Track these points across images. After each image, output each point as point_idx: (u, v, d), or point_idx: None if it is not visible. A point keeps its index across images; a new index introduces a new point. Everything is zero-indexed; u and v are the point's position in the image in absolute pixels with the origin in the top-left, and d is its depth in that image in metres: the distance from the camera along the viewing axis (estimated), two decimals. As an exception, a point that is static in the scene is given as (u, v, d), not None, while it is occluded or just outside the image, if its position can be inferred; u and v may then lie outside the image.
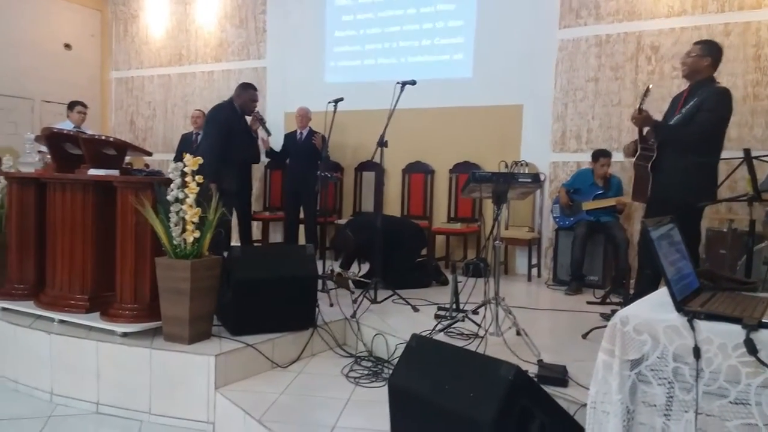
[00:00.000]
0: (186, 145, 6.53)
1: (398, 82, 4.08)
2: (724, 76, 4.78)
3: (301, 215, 5.89)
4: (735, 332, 1.41)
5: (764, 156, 3.04)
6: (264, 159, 6.22)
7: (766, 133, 4.70)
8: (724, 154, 3.52)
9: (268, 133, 5.53)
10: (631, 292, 3.80)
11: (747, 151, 2.93)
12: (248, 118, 5.07)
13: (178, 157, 3.01)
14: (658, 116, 3.65)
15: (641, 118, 3.43)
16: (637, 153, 3.58)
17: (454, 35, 6.00)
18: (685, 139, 3.36)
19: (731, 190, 4.32)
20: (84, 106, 6.28)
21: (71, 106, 6.21)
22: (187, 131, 6.85)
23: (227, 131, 4.67)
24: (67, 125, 5.82)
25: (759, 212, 4.00)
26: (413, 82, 4.11)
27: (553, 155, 5.54)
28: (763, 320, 1.41)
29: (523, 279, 5.30)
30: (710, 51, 3.42)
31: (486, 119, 5.76)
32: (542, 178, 5.45)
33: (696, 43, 3.52)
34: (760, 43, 4.72)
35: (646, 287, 3.32)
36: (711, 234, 4.27)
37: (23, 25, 7.17)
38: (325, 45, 6.61)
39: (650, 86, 3.53)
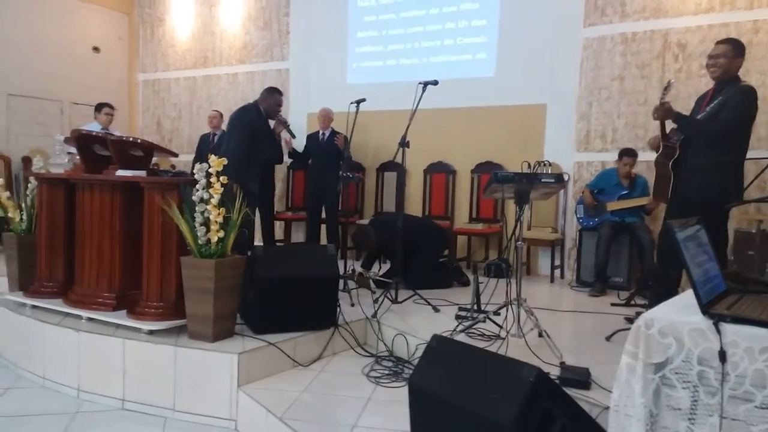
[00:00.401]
0: (205, 145, 6.63)
1: (420, 83, 4.08)
2: (753, 75, 4.69)
3: (323, 215, 5.93)
4: (762, 336, 1.39)
5: (795, 155, 2.96)
6: (287, 159, 6.28)
7: (797, 132, 4.59)
8: (753, 154, 3.46)
9: (293, 136, 5.59)
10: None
11: (776, 151, 2.87)
12: (271, 122, 5.12)
13: (198, 158, 3.06)
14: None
15: (663, 110, 3.35)
16: (659, 150, 3.51)
17: (477, 34, 5.98)
18: (706, 134, 3.29)
19: (760, 190, 4.22)
20: (111, 107, 6.36)
21: (98, 107, 6.30)
22: (206, 132, 6.94)
23: (252, 133, 4.72)
24: (94, 126, 5.92)
25: (790, 213, 3.91)
26: (435, 83, 4.11)
27: (577, 155, 5.48)
28: (792, 324, 1.38)
29: (545, 280, 5.26)
30: (742, 50, 3.35)
31: (509, 119, 5.72)
32: (566, 178, 5.39)
33: (722, 43, 3.40)
34: (791, 39, 4.61)
35: (662, 289, 3.27)
36: (739, 235, 4.18)
37: (53, 29, 7.34)
38: (348, 46, 6.65)
39: (672, 81, 3.47)
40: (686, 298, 1.68)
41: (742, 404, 1.41)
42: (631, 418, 1.48)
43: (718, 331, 1.43)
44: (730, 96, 3.26)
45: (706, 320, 1.47)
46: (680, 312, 1.56)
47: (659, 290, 3.36)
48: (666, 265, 3.44)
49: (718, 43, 3.42)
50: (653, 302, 3.27)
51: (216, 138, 6.66)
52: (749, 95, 3.26)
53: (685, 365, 1.46)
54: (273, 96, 4.96)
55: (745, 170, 3.40)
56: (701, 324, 1.47)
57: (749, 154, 3.38)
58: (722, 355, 1.41)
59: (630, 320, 3.44)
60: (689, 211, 3.11)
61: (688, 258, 1.60)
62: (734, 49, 3.33)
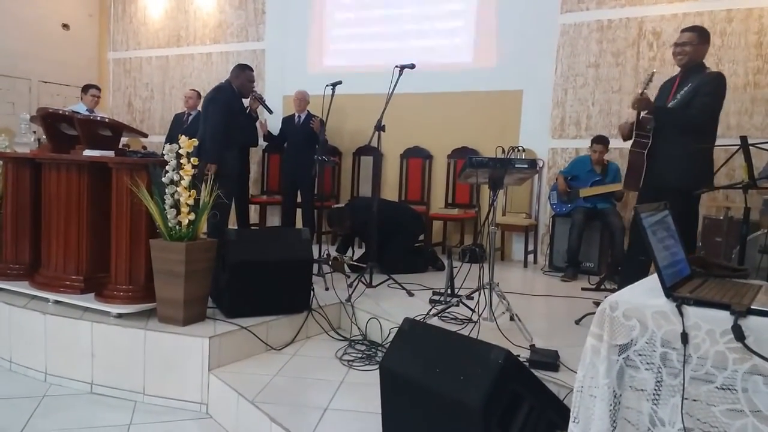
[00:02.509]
0: (178, 125, 6.47)
1: (396, 66, 4.05)
2: (725, 63, 4.76)
3: (299, 199, 5.89)
4: (723, 318, 1.41)
5: (761, 143, 3.02)
6: (262, 143, 6.20)
7: (766, 121, 4.68)
8: (723, 141, 3.50)
9: (270, 111, 5.40)
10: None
11: (744, 139, 2.91)
12: (245, 101, 5.03)
13: (171, 138, 3.00)
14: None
15: (642, 100, 3.36)
16: (633, 140, 3.54)
17: (455, 19, 5.95)
18: (686, 121, 3.31)
19: (729, 177, 4.31)
20: (97, 89, 6.21)
21: (85, 89, 6.16)
22: (180, 111, 6.80)
23: (228, 112, 4.64)
24: (80, 108, 5.78)
25: (757, 201, 3.99)
26: (412, 66, 4.08)
27: (552, 141, 5.52)
28: (752, 307, 1.41)
29: (519, 265, 5.31)
30: (707, 37, 3.40)
31: (485, 104, 5.73)
32: (540, 164, 5.43)
33: (687, 31, 3.42)
34: (763, 30, 4.68)
35: (632, 273, 3.32)
36: (707, 222, 4.27)
37: (21, 4, 7.11)
38: (325, 27, 6.56)
39: (655, 71, 3.49)
40: (651, 281, 1.70)
41: (704, 385, 1.44)
42: (595, 399, 1.50)
43: (681, 314, 1.46)
44: (702, 83, 3.29)
45: (670, 303, 1.49)
46: (645, 295, 1.58)
47: (629, 275, 3.41)
48: (635, 251, 3.49)
49: (684, 30, 3.45)
50: (622, 287, 3.33)
51: (190, 118, 6.52)
52: (721, 82, 3.30)
53: (649, 347, 1.49)
54: (244, 72, 4.84)
55: (714, 157, 3.46)
56: (665, 307, 1.49)
57: (718, 141, 3.43)
58: (684, 337, 1.44)
59: (598, 304, 3.49)
60: (661, 198, 3.18)
61: (653, 242, 1.62)
62: (699, 37, 3.37)
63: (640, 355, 1.49)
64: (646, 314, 1.50)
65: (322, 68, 6.41)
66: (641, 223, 1.65)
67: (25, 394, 2.87)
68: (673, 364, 1.47)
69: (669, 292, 1.53)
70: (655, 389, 1.51)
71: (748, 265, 2.71)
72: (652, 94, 3.55)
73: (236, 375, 2.73)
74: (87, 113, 5.60)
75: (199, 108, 6.53)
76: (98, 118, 3.78)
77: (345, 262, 4.49)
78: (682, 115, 3.32)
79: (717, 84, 3.28)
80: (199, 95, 6.58)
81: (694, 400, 1.44)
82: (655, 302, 1.51)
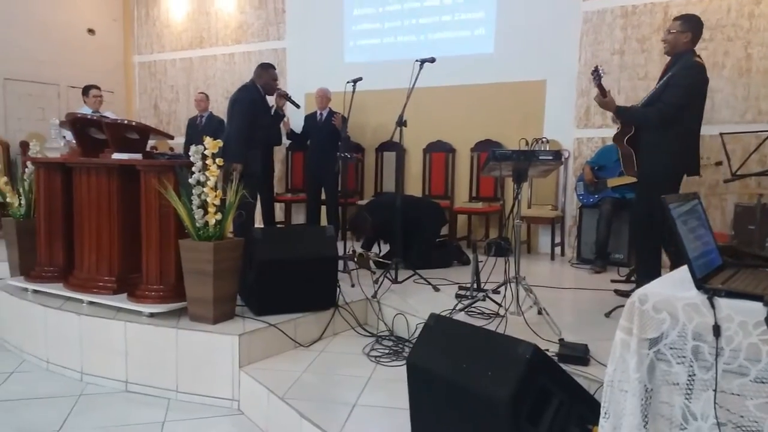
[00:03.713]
0: (193, 128, 6.57)
1: (417, 60, 4.03)
2: (754, 47, 4.64)
3: (323, 196, 5.92)
4: (756, 310, 1.38)
5: (795, 129, 2.94)
6: (285, 141, 6.25)
7: (799, 104, 4.55)
8: (754, 127, 3.42)
9: (297, 106, 5.40)
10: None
11: (776, 124, 2.84)
12: (270, 99, 5.06)
13: (188, 141, 3.04)
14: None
15: (604, 103, 3.42)
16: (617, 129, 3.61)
17: (476, 10, 5.89)
18: (644, 121, 3.39)
19: (761, 164, 4.20)
20: (98, 89, 6.17)
21: (85, 91, 6.12)
22: (193, 115, 6.89)
23: (253, 112, 4.68)
24: (84, 110, 5.79)
25: (791, 187, 3.89)
26: (432, 60, 4.06)
27: (578, 131, 5.44)
28: (786, 298, 1.38)
29: (546, 258, 5.26)
30: (690, 26, 3.36)
31: (508, 96, 5.67)
32: (566, 155, 5.36)
33: (676, 19, 3.44)
34: (794, 11, 4.54)
35: (647, 264, 3.34)
36: (740, 209, 4.17)
37: (47, 11, 7.27)
38: (344, 24, 6.57)
39: (599, 66, 3.45)
40: (681, 273, 1.67)
41: (737, 378, 1.41)
42: (626, 393, 1.48)
43: (713, 306, 1.43)
44: (674, 74, 3.31)
45: (701, 295, 1.46)
46: (675, 287, 1.56)
47: (648, 266, 3.41)
48: (642, 240, 3.49)
49: (673, 19, 3.46)
50: (641, 279, 3.34)
51: (203, 120, 6.61)
52: (691, 71, 3.28)
53: (680, 340, 1.46)
54: (267, 71, 4.87)
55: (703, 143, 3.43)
56: (696, 299, 1.46)
57: (749, 128, 3.35)
58: (716, 330, 1.41)
59: (621, 293, 3.46)
60: (655, 186, 3.25)
61: (682, 233, 1.59)
62: (682, 25, 3.36)
63: (671, 348, 1.47)
64: (676, 307, 1.48)
65: (343, 65, 6.42)
66: (669, 214, 1.62)
67: (62, 393, 2.95)
68: (705, 357, 1.45)
69: (700, 283, 1.50)
70: (688, 383, 1.48)
71: (782, 254, 2.65)
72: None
73: (266, 372, 2.77)
74: (93, 115, 5.57)
75: (211, 110, 6.66)
76: (123, 122, 3.84)
77: (370, 259, 4.50)
78: (640, 115, 3.40)
79: (686, 74, 3.27)
80: (207, 97, 6.69)
81: (728, 394, 1.42)
82: (685, 294, 1.49)
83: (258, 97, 4.76)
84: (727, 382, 1.41)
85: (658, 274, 3.35)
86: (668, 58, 3.45)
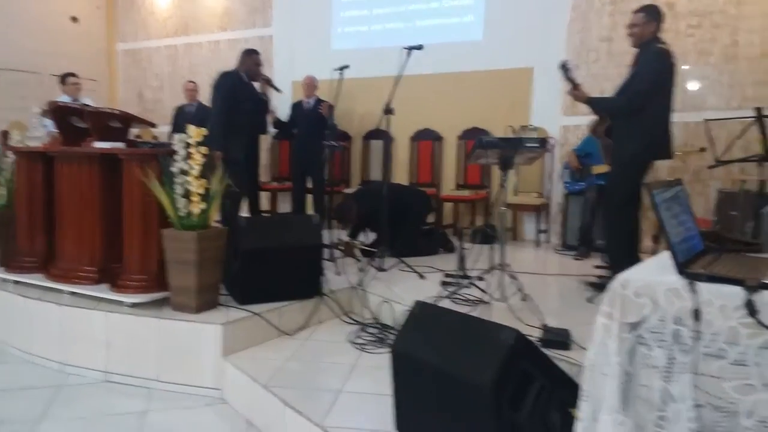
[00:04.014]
0: (182, 116, 6.49)
1: (405, 48, 4.00)
2: (741, 33, 4.64)
3: (310, 185, 5.88)
4: (736, 294, 1.38)
5: (778, 114, 2.95)
6: (271, 130, 6.18)
7: (784, 91, 4.56)
8: (740, 114, 3.43)
9: (278, 90, 5.32)
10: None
11: (758, 110, 2.85)
12: (257, 85, 4.97)
13: (175, 129, 3.00)
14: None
15: (575, 94, 3.49)
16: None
17: (464, -4, 5.86)
18: (613, 109, 3.52)
19: (744, 150, 4.21)
20: (76, 76, 6.07)
21: (62, 79, 6.02)
22: (182, 103, 6.81)
23: (233, 97, 4.63)
24: (63, 99, 5.70)
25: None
26: (420, 47, 4.02)
27: (564, 119, 5.44)
28: (765, 281, 1.38)
29: (531, 245, 5.28)
30: (654, 16, 3.42)
31: (496, 83, 5.65)
32: (552, 142, 5.36)
33: (638, 11, 3.49)
34: (780, -3, 4.55)
35: (628, 251, 3.39)
36: (722, 195, 4.19)
37: (29, -1, 7.13)
38: (332, 10, 6.50)
39: (566, 60, 3.52)
40: (663, 258, 1.67)
41: (716, 361, 1.41)
42: (606, 377, 1.48)
43: (693, 290, 1.43)
44: (641, 64, 3.39)
45: (682, 280, 1.46)
46: (656, 272, 1.56)
47: (621, 251, 3.47)
48: (615, 226, 3.56)
49: (634, 12, 3.50)
50: (615, 265, 3.39)
51: (194, 109, 6.55)
52: (656, 59, 3.34)
53: (660, 324, 1.46)
54: (250, 57, 4.81)
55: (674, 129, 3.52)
56: (677, 284, 1.46)
57: (734, 114, 3.37)
58: (696, 314, 1.41)
59: (591, 284, 3.52)
60: (628, 172, 3.39)
61: (665, 218, 1.59)
62: (646, 16, 3.42)
63: (651, 332, 1.47)
64: (657, 292, 1.48)
65: (330, 52, 6.36)
66: (653, 200, 1.61)
67: (43, 383, 2.92)
68: (684, 341, 1.45)
69: (682, 268, 1.50)
70: (667, 366, 1.49)
71: (762, 239, 2.67)
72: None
73: (250, 360, 2.75)
74: (73, 103, 5.49)
75: (200, 99, 6.59)
76: (105, 110, 3.78)
77: (356, 247, 4.49)
78: (610, 104, 3.53)
79: (651, 62, 3.35)
80: (197, 86, 6.61)
81: (707, 376, 1.42)
82: (667, 279, 1.49)
83: (239, 83, 4.69)
84: (706, 365, 1.41)
85: (633, 260, 3.40)
86: None
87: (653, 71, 3.32)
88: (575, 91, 3.47)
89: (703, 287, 1.44)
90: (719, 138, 4.29)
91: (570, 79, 3.44)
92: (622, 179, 3.49)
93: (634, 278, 1.54)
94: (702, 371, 1.41)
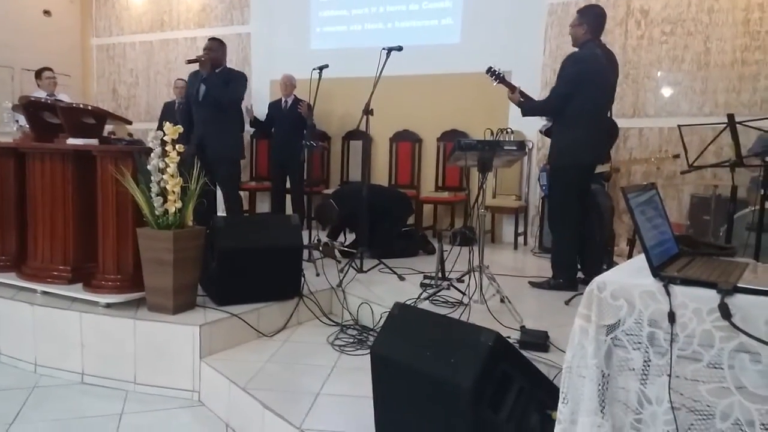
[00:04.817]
0: (169, 113, 6.43)
1: (384, 48, 4.01)
2: (712, 41, 4.75)
3: (288, 185, 5.85)
4: (710, 297, 1.41)
5: (748, 121, 3.02)
6: (248, 128, 6.14)
7: (753, 98, 4.69)
8: (710, 120, 3.51)
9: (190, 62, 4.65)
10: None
11: (730, 117, 2.92)
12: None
13: (161, 127, 2.96)
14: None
15: (510, 98, 3.69)
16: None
17: None
18: (536, 112, 3.74)
19: (716, 155, 4.32)
20: (51, 71, 6.03)
21: (38, 73, 5.98)
22: (170, 99, 6.74)
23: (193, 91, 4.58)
24: (39, 94, 5.65)
25: (745, 178, 4.01)
26: (399, 48, 4.04)
27: (541, 122, 5.48)
28: (738, 285, 1.41)
29: (509, 247, 5.33)
30: (586, 18, 3.51)
31: (474, 86, 5.67)
32: (529, 145, 5.42)
33: (577, 12, 3.62)
34: (750, 7, 4.67)
35: (568, 256, 3.55)
36: (695, 200, 4.29)
37: (-1, -10, 6.96)
38: (310, 9, 6.48)
39: (489, 67, 3.69)
40: (639, 261, 1.70)
41: (691, 364, 1.44)
42: (584, 379, 1.51)
43: (668, 293, 1.46)
44: (560, 68, 3.53)
45: (657, 282, 1.49)
46: (632, 275, 1.58)
47: (562, 255, 3.60)
48: (556, 230, 3.68)
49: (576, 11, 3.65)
50: (556, 271, 3.57)
51: (182, 106, 6.47)
52: (570, 65, 3.47)
53: (636, 327, 1.49)
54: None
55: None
56: (652, 286, 1.49)
57: (706, 120, 3.45)
58: (671, 316, 1.44)
59: (535, 285, 3.63)
60: (564, 175, 3.54)
61: (640, 222, 1.62)
62: (579, 18, 3.53)
63: (627, 335, 1.49)
64: (633, 294, 1.50)
65: (309, 51, 6.34)
66: (628, 203, 1.65)
67: (16, 385, 2.86)
68: (660, 344, 1.48)
69: (656, 271, 1.53)
70: (643, 368, 1.52)
71: (735, 243, 2.73)
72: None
73: (228, 362, 2.73)
74: (47, 98, 5.42)
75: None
76: (79, 106, 3.70)
77: (336, 248, 4.48)
78: (531, 107, 3.70)
79: (567, 66, 3.49)
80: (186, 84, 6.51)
81: (682, 379, 1.45)
82: (642, 282, 1.51)
83: (195, 77, 4.57)
84: (682, 368, 1.44)
85: (573, 266, 3.48)
86: None
87: (568, 75, 3.43)
88: (512, 94, 3.62)
89: (678, 290, 1.47)
90: (692, 143, 4.38)
91: (504, 83, 3.59)
92: (551, 183, 3.66)
93: (611, 280, 1.57)
94: (678, 374, 1.43)
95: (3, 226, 3.54)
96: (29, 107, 3.50)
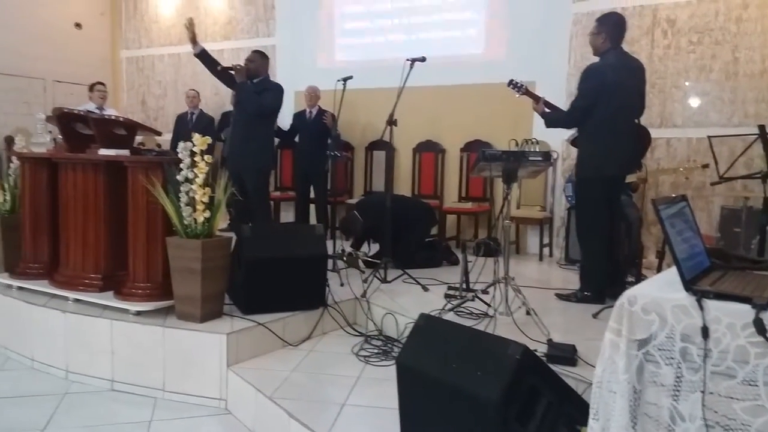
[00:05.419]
0: (183, 124, 6.62)
1: (408, 59, 4.03)
2: (741, 50, 4.68)
3: (312, 195, 5.89)
4: (744, 312, 1.39)
5: (781, 132, 2.97)
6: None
7: (784, 108, 4.60)
8: (741, 131, 3.45)
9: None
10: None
11: (761, 128, 2.87)
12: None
13: (176, 137, 3.02)
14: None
15: (534, 108, 3.70)
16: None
17: (466, 10, 5.90)
18: (556, 124, 3.72)
19: (747, 167, 4.23)
20: (103, 85, 6.38)
21: (91, 87, 6.32)
22: (183, 111, 6.90)
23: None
24: (89, 106, 5.93)
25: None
26: (423, 59, 4.06)
27: (567, 133, 5.45)
28: (774, 300, 1.39)
29: (534, 258, 5.28)
30: (604, 27, 3.48)
31: (498, 96, 5.64)
32: (555, 156, 5.38)
33: (596, 20, 3.60)
34: (780, 15, 4.59)
35: (596, 270, 3.50)
36: (726, 212, 4.21)
37: (33, 5, 7.17)
38: (334, 22, 6.54)
39: (510, 80, 3.70)
40: (670, 274, 1.68)
41: (725, 380, 1.42)
42: (615, 394, 1.49)
43: (701, 308, 1.44)
44: (579, 79, 3.53)
45: (689, 297, 1.47)
46: (664, 289, 1.57)
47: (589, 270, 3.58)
48: (584, 242, 3.65)
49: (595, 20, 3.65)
50: (583, 284, 3.55)
51: (194, 117, 6.66)
52: (586, 78, 3.46)
53: (668, 342, 1.47)
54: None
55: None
56: (684, 300, 1.47)
57: (736, 131, 3.40)
58: (705, 332, 1.42)
59: (558, 295, 3.62)
60: (585, 187, 3.56)
61: (671, 234, 1.61)
62: (597, 27, 3.52)
63: (660, 350, 1.48)
64: (665, 308, 1.49)
65: (333, 63, 6.40)
66: (659, 215, 1.63)
67: (47, 391, 2.92)
68: (693, 359, 1.46)
69: (689, 285, 1.51)
70: (675, 384, 1.50)
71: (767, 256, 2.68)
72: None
73: (254, 371, 2.75)
74: (97, 111, 5.71)
75: (201, 107, 6.73)
76: (112, 117, 3.81)
77: (359, 258, 4.49)
78: (552, 119, 3.68)
79: (583, 78, 3.49)
80: (198, 94, 6.72)
81: (716, 395, 1.43)
82: (674, 296, 1.50)
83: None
84: (715, 384, 1.42)
85: (601, 279, 3.44)
86: None
87: (585, 88, 3.43)
88: (536, 105, 3.61)
89: (711, 305, 1.45)
90: (721, 154, 4.31)
91: (528, 95, 3.59)
92: (578, 195, 3.64)
93: (642, 294, 1.55)
94: (711, 390, 1.41)
95: (36, 235, 3.63)
96: (62, 118, 3.59)
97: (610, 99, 3.38)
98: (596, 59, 3.57)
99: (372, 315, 3.42)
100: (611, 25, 3.47)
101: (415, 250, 4.62)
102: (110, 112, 6.08)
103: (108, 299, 3.15)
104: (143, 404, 2.79)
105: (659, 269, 3.87)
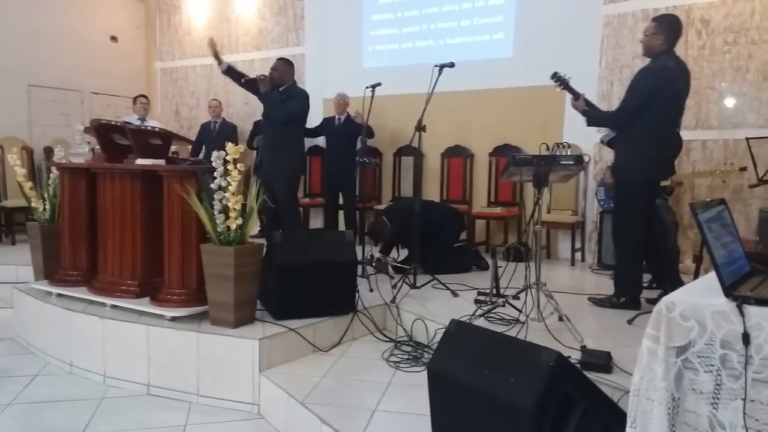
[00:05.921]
0: (206, 133, 6.79)
1: (436, 65, 4.04)
2: (779, 50, 4.55)
3: (341, 201, 5.93)
4: (787, 318, 1.36)
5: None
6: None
7: (825, 108, 4.46)
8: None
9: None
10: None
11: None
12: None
13: (199, 146, 3.07)
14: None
15: (574, 105, 3.59)
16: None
17: (494, 14, 5.88)
18: (603, 123, 3.68)
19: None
20: (145, 97, 6.65)
21: (135, 99, 6.62)
22: (206, 121, 7.09)
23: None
24: (132, 118, 6.17)
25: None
26: (451, 65, 4.06)
27: (598, 135, 5.37)
28: (818, 306, 1.35)
29: (566, 263, 5.21)
30: (664, 28, 3.38)
31: (527, 100, 5.64)
32: (586, 159, 5.30)
33: (652, 20, 3.49)
34: (820, 13, 4.46)
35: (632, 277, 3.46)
36: (765, 215, 4.09)
37: (71, 18, 7.39)
38: (363, 29, 6.60)
39: (554, 73, 3.63)
40: (709, 280, 1.65)
41: (766, 388, 1.38)
42: (653, 402, 1.46)
43: (742, 314, 1.41)
44: (632, 80, 3.41)
45: (729, 302, 1.44)
46: (702, 294, 1.54)
47: (625, 276, 3.51)
48: (619, 248, 3.56)
49: (651, 20, 3.53)
50: (618, 290, 3.48)
51: (217, 126, 6.81)
52: (643, 74, 3.36)
53: (708, 348, 1.44)
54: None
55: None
56: (724, 306, 1.44)
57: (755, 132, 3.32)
58: (746, 338, 1.39)
59: (597, 302, 3.56)
60: (620, 190, 3.49)
61: (710, 239, 1.57)
62: (656, 27, 3.40)
63: (699, 357, 1.45)
64: (704, 314, 1.46)
65: (362, 70, 6.44)
66: (697, 219, 1.60)
67: (85, 396, 2.99)
68: (733, 366, 1.42)
69: (728, 291, 1.48)
70: (715, 392, 1.46)
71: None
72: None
73: (286, 376, 2.78)
74: (139, 122, 5.94)
75: (224, 116, 6.93)
76: (149, 128, 3.90)
77: (389, 264, 4.50)
78: (598, 117, 3.62)
79: (640, 79, 3.36)
80: (221, 104, 6.90)
81: (757, 403, 1.39)
82: (713, 302, 1.47)
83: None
84: (757, 392, 1.38)
85: (637, 284, 3.38)
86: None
87: (641, 89, 3.32)
88: (575, 101, 3.52)
89: (752, 311, 1.42)
90: (759, 156, 4.20)
91: (568, 90, 3.51)
92: (618, 199, 3.54)
93: (681, 300, 1.52)
94: (753, 398, 1.38)
95: (75, 243, 3.73)
96: (100, 129, 3.69)
97: (665, 103, 3.31)
98: (630, 61, 3.51)
99: (402, 320, 3.42)
100: (670, 27, 3.39)
101: (444, 255, 4.61)
102: (152, 123, 6.29)
103: (144, 305, 3.22)
104: (178, 408, 2.84)
105: (696, 274, 3.78)
